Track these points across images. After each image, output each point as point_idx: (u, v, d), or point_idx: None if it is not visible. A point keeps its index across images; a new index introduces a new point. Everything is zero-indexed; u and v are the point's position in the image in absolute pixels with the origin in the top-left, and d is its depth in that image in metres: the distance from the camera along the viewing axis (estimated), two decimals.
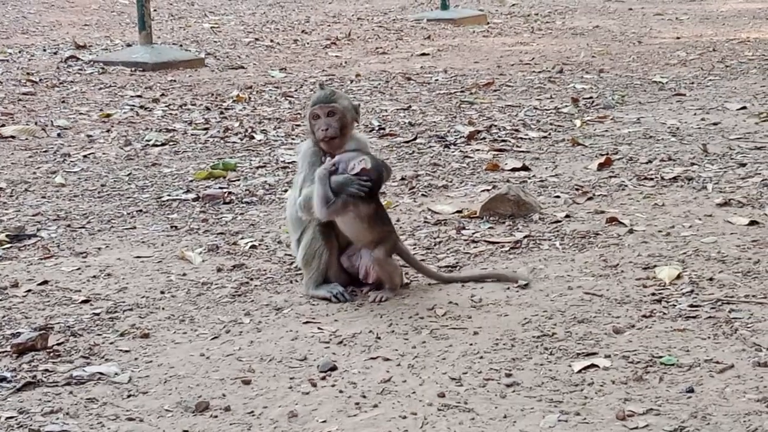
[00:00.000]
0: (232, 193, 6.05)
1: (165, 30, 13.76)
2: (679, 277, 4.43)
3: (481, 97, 8.95)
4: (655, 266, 4.57)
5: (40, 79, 10.02)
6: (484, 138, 7.33)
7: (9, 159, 7.05)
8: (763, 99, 8.49)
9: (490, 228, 5.25)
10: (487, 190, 5.86)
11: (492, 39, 12.92)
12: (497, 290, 4.40)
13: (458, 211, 5.52)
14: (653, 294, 4.27)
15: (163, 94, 9.34)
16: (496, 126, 7.70)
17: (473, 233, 5.17)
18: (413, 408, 3.38)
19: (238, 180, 6.38)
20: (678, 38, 12.60)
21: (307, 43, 12.63)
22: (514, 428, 3.24)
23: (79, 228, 5.49)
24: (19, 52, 11.79)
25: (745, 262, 4.59)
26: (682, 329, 3.91)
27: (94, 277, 4.74)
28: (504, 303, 4.25)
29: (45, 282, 4.67)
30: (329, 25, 14.28)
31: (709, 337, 3.84)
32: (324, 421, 3.32)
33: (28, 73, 10.27)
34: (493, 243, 5.02)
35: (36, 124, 8.06)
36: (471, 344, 3.86)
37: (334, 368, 3.68)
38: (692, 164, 6.33)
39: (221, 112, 8.50)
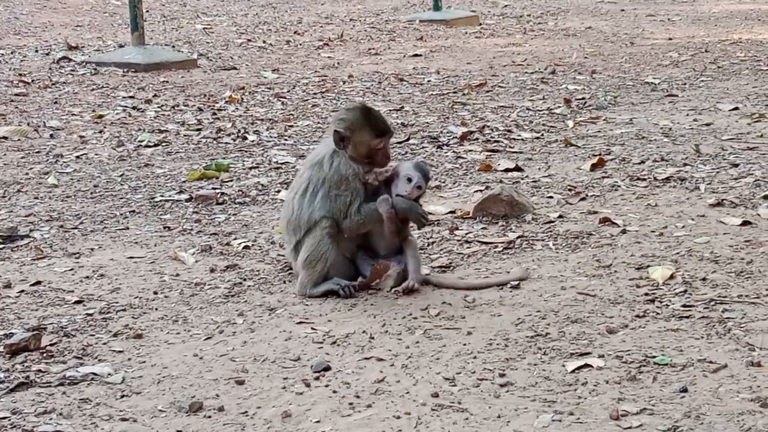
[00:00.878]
0: (224, 193, 6.04)
1: (157, 31, 13.74)
2: (672, 277, 4.43)
3: (473, 97, 8.95)
4: (648, 266, 4.57)
5: (33, 80, 10.00)
6: (477, 139, 7.33)
7: (1, 160, 7.04)
8: (755, 100, 8.50)
9: (483, 228, 5.25)
10: (480, 191, 5.86)
11: (484, 40, 12.93)
12: (490, 290, 4.40)
13: (451, 212, 5.53)
14: (646, 294, 4.28)
15: (155, 95, 9.33)
16: (488, 127, 7.71)
17: (466, 233, 5.17)
18: (407, 408, 3.38)
19: (231, 181, 6.37)
20: (670, 39, 12.61)
21: (300, 44, 12.62)
22: (508, 428, 3.24)
23: (72, 228, 5.49)
24: (12, 53, 11.77)
25: (738, 262, 4.59)
26: (675, 329, 3.91)
27: (87, 277, 4.73)
28: (497, 303, 4.25)
29: (38, 282, 4.66)
30: (322, 26, 14.28)
31: (702, 337, 3.84)
32: (318, 421, 3.32)
33: (20, 74, 10.25)
34: (486, 243, 5.02)
35: (28, 124, 8.05)
36: (464, 344, 3.86)
37: (327, 368, 3.68)
38: (685, 165, 6.34)
39: (214, 113, 8.49)
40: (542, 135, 7.43)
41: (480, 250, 4.94)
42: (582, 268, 4.61)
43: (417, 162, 4.57)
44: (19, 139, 7.62)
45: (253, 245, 5.12)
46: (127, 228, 5.48)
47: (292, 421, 3.33)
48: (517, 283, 4.42)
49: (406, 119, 8.10)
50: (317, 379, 3.62)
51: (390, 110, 8.47)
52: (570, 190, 5.87)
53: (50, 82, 9.93)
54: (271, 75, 10.41)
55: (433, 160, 6.75)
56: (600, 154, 6.64)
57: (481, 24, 14.48)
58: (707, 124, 7.59)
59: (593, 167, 6.34)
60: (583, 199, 5.70)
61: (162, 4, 16.73)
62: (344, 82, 9.90)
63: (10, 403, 3.49)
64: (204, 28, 14.09)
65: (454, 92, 9.25)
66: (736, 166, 6.28)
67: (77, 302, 4.42)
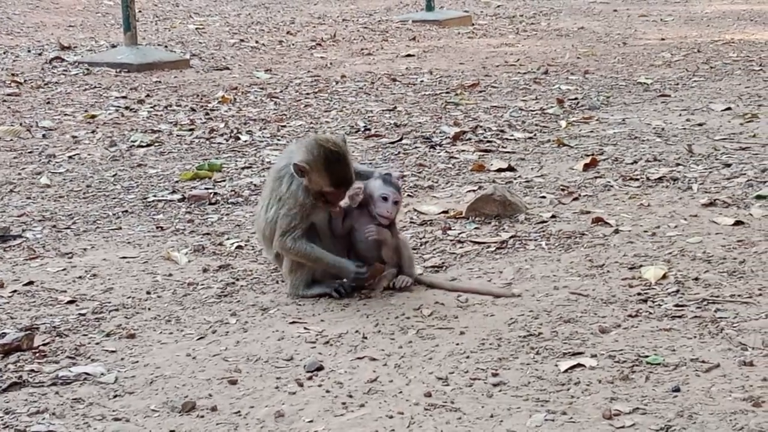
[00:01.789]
0: (217, 193, 6.04)
1: (150, 31, 13.73)
2: (664, 276, 4.44)
3: (466, 98, 8.95)
4: (640, 266, 4.58)
5: (25, 80, 9.99)
6: (470, 139, 7.33)
7: None
8: (747, 100, 8.52)
9: (476, 228, 5.25)
10: (473, 191, 5.87)
11: (477, 40, 12.94)
12: None
13: (444, 212, 5.53)
14: (639, 294, 4.28)
15: (148, 95, 9.33)
16: (481, 127, 7.71)
17: (459, 233, 5.17)
18: (400, 407, 3.38)
19: (224, 181, 6.37)
20: (663, 39, 12.63)
21: (293, 45, 12.62)
22: (501, 427, 3.24)
23: (65, 228, 5.48)
24: (4, 53, 11.76)
25: (731, 262, 4.60)
26: (668, 329, 3.92)
27: (80, 277, 4.73)
28: (490, 303, 4.26)
29: (30, 282, 4.66)
30: (314, 27, 14.28)
31: (695, 337, 3.85)
32: (311, 421, 3.32)
33: (12, 74, 10.24)
34: (479, 243, 5.02)
35: (21, 125, 8.04)
36: (457, 344, 3.86)
37: (320, 368, 3.68)
38: (677, 165, 6.34)
39: (206, 113, 8.49)
40: (535, 135, 7.43)
41: (473, 250, 4.94)
42: (575, 268, 4.61)
43: (383, 176, 4.39)
44: (11, 140, 7.61)
45: (245, 245, 5.12)
46: (120, 228, 5.47)
47: (284, 420, 3.33)
48: (501, 292, 4.38)
49: (399, 119, 8.10)
50: (310, 378, 3.62)
51: (383, 110, 8.47)
52: (563, 190, 5.88)
53: (43, 83, 9.93)
54: (263, 75, 10.41)
55: (425, 160, 6.75)
56: (593, 154, 6.65)
57: (473, 24, 14.49)
58: (700, 124, 7.60)
59: (586, 167, 6.35)
60: (575, 199, 5.70)
61: (154, 5, 16.72)
62: (337, 83, 9.90)
63: (2, 403, 3.48)
64: (197, 28, 14.08)
65: (447, 92, 9.25)
66: (729, 166, 6.28)
67: (70, 302, 4.41)
